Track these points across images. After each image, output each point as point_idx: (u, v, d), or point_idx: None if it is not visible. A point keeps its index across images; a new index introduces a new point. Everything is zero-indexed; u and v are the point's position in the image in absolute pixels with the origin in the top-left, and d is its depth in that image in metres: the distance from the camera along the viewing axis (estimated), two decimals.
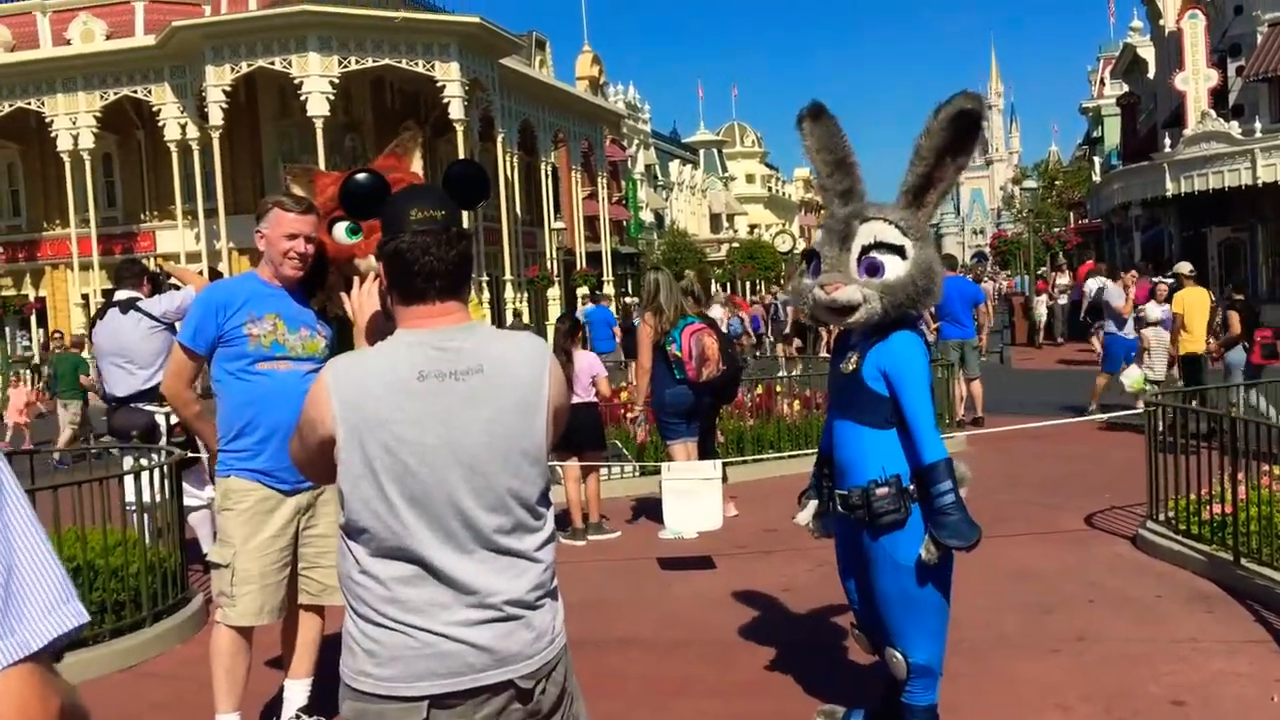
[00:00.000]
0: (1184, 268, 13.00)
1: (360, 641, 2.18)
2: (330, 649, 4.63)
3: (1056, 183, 46.41)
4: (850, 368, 3.86)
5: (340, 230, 3.59)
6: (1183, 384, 11.03)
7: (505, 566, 2.20)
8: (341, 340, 4.05)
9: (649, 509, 8.57)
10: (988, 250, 53.43)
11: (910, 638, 3.82)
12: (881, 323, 3.80)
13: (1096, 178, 36.25)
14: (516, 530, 2.21)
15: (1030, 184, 36.11)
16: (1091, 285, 20.73)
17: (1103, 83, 53.95)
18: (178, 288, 6.78)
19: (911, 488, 3.74)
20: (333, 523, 4.06)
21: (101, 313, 6.80)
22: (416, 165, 3.81)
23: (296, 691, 4.30)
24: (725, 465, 7.87)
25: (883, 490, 3.74)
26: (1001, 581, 6.22)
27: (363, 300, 2.75)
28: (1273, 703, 4.35)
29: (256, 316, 3.94)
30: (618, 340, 21.24)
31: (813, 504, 4.20)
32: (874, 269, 3.77)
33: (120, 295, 6.64)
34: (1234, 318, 11.39)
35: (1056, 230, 42.21)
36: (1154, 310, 12.35)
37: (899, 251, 3.76)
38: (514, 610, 2.19)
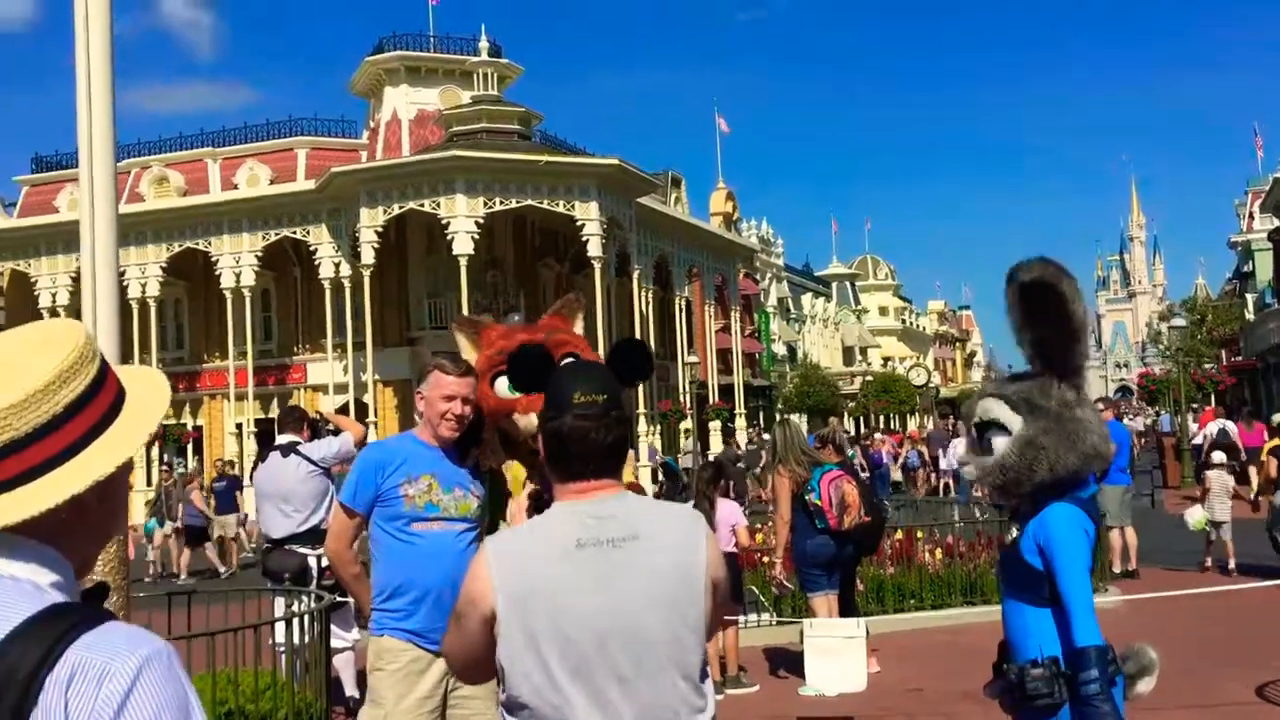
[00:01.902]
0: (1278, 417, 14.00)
1: None
2: None
3: (1206, 319, 44.87)
4: (1010, 539, 3.76)
5: (502, 385, 3.69)
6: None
7: None
8: (492, 494, 4.13)
9: (787, 661, 8.37)
10: (1132, 385, 51.63)
11: None
12: (1037, 493, 3.69)
13: (1250, 314, 34.93)
14: (677, 703, 2.17)
15: (1179, 321, 35.01)
16: (1211, 428, 20.38)
17: (1251, 216, 52.43)
18: (335, 434, 7.05)
19: (1071, 671, 3.58)
20: (479, 686, 4.13)
21: (263, 456, 7.10)
22: (578, 328, 3.92)
23: None
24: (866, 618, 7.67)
25: (1037, 671, 3.58)
26: None
27: (516, 515, 2.74)
28: None
29: (414, 477, 4.02)
30: None
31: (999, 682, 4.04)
32: (985, 447, 3.72)
33: (281, 439, 6.93)
34: (1271, 463, 11.97)
35: (1208, 368, 40.67)
36: (1217, 455, 13.08)
37: (1003, 428, 3.69)
38: None
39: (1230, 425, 13.09)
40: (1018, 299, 3.76)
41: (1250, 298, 44.71)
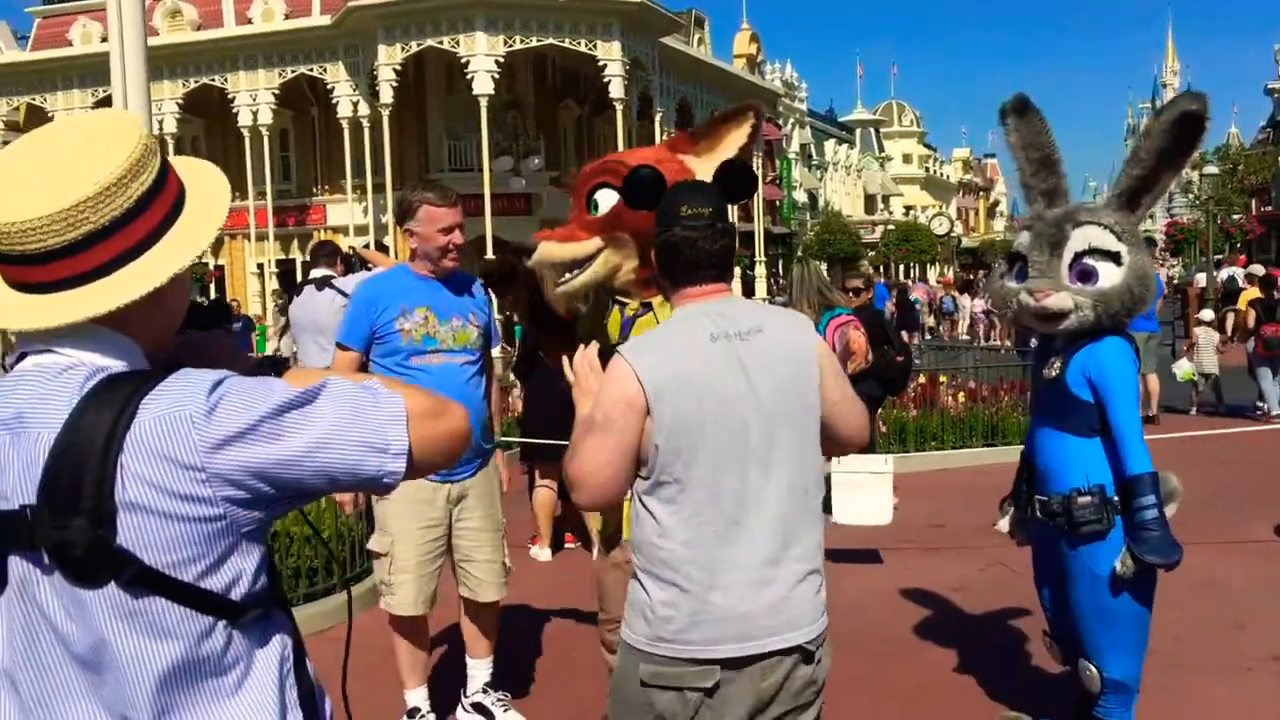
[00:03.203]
0: (1257, 269, 15.59)
1: (656, 608, 2.29)
2: (505, 631, 4.77)
3: (1238, 167, 43.97)
4: (1054, 373, 3.75)
5: (605, 197, 3.38)
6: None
7: (800, 524, 2.35)
8: (591, 322, 3.65)
9: None
10: (1158, 236, 51.11)
11: (1106, 652, 3.71)
12: (1092, 329, 3.69)
13: None
14: (809, 487, 2.38)
15: (1211, 169, 34.27)
16: (1223, 274, 20.95)
17: None
18: (369, 268, 7.05)
19: (1115, 499, 3.63)
20: (485, 516, 4.23)
21: (299, 290, 7.12)
22: (718, 152, 3.62)
23: (480, 669, 4.44)
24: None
25: (1085, 499, 3.63)
26: (1188, 594, 5.97)
27: (582, 369, 2.51)
28: None
29: (409, 310, 4.00)
30: None
31: (1013, 510, 4.11)
32: (1087, 275, 3.66)
33: (316, 274, 6.94)
34: (1249, 314, 12.82)
35: (1238, 218, 40.11)
36: (1205, 313, 14.02)
37: (1114, 258, 3.64)
38: (806, 570, 2.34)
39: (1240, 273, 14.13)
40: (1172, 128, 3.67)
41: None
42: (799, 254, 50.37)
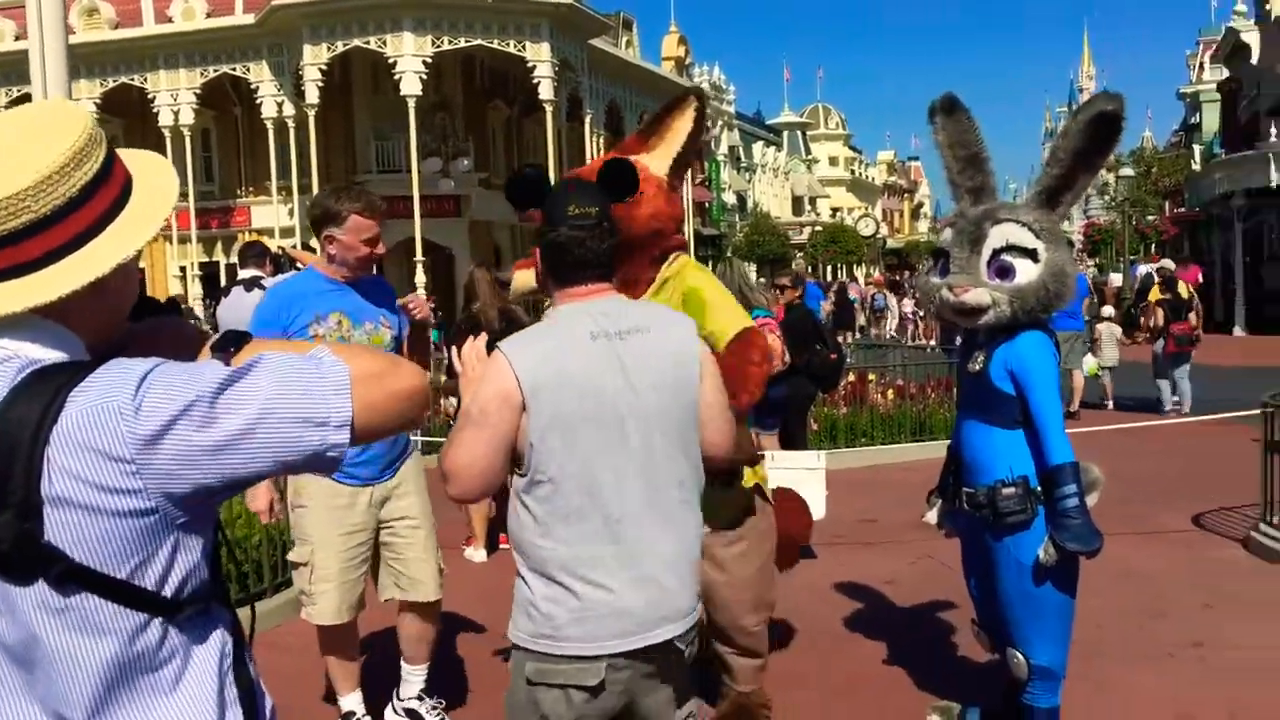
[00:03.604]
0: (1168, 264, 16.10)
1: (539, 605, 2.31)
2: (438, 635, 4.72)
3: (1152, 170, 45.14)
4: (977, 367, 3.83)
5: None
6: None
7: (678, 519, 2.39)
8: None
9: None
10: (1076, 237, 52.25)
11: (1032, 640, 3.79)
12: (1010, 325, 3.77)
13: (1196, 166, 35.24)
14: (688, 479, 2.42)
15: (1127, 171, 35.18)
16: (1140, 269, 21.59)
17: (1202, 67, 52.30)
18: (299, 268, 6.97)
19: (1038, 489, 3.72)
20: (416, 515, 4.12)
21: (226, 291, 7.02)
22: (675, 135, 3.62)
23: (415, 675, 4.35)
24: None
25: (1009, 490, 3.71)
26: (1109, 583, 6.13)
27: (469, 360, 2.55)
28: None
29: (322, 315, 3.93)
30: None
31: (941, 503, 4.19)
32: (1004, 272, 3.73)
33: (244, 274, 6.84)
34: (1157, 313, 13.27)
35: (1152, 219, 41.16)
36: (1106, 309, 14.53)
37: (1031, 255, 3.72)
38: (682, 562, 2.38)
39: (1154, 268, 15.34)
40: (1088, 127, 3.75)
41: (1197, 149, 45.04)
42: (727, 254, 50.67)
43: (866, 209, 76.51)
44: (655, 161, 3.59)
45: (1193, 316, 13.31)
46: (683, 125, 3.62)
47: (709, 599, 3.89)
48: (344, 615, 4.05)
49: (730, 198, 59.30)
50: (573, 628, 2.28)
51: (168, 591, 1.38)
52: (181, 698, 1.41)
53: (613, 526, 2.30)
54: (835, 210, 74.44)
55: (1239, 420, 9.36)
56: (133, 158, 1.56)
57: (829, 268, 61.35)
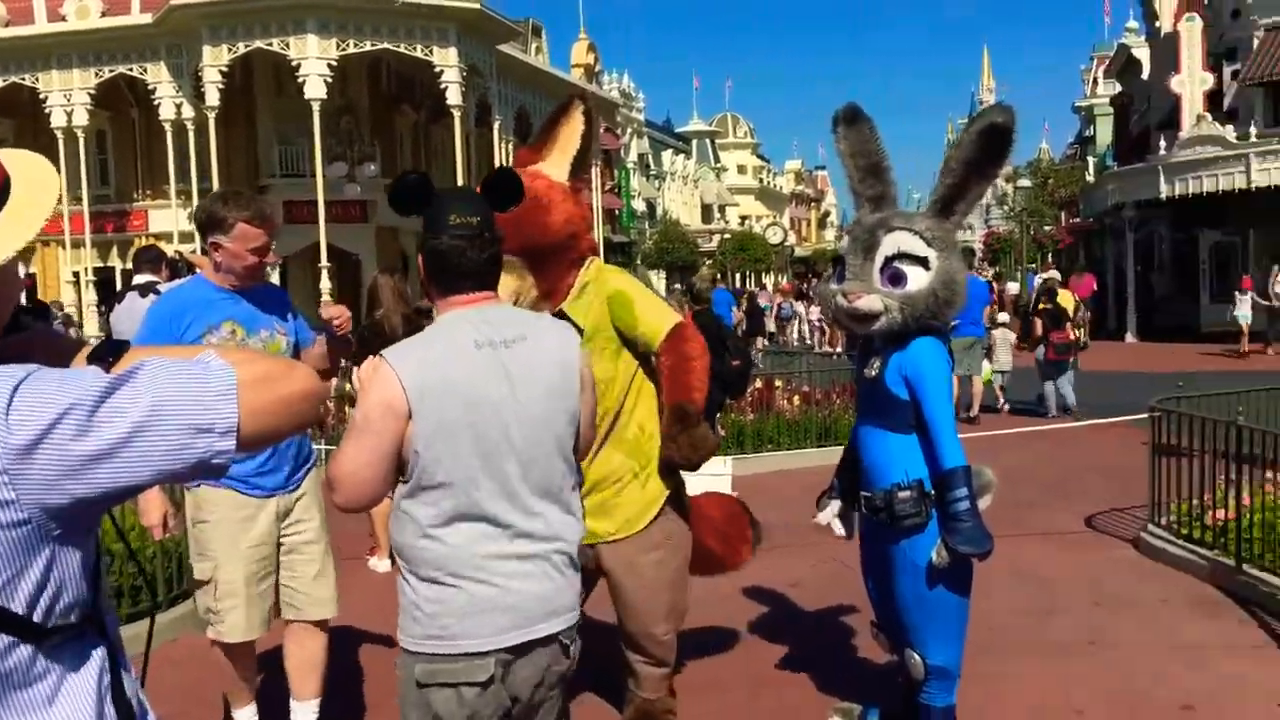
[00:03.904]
0: (1055, 275, 17.40)
1: (424, 606, 2.35)
2: (338, 649, 4.63)
3: (1049, 181, 46.53)
4: (874, 373, 3.89)
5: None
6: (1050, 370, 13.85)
7: (559, 518, 2.44)
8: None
9: None
10: (976, 246, 53.55)
11: (929, 640, 3.86)
12: (903, 331, 3.84)
13: (1090, 177, 36.39)
14: (567, 483, 2.47)
15: (1025, 182, 36.19)
16: (1035, 280, 22.40)
17: (1096, 82, 54.10)
18: (196, 273, 6.81)
19: (933, 492, 3.79)
20: (314, 530, 4.00)
21: (120, 297, 6.82)
22: (568, 139, 3.65)
23: (305, 713, 4.10)
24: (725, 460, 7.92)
25: (904, 494, 3.78)
26: (1004, 583, 6.29)
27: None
28: None
29: (214, 325, 3.79)
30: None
31: (834, 504, 4.25)
32: (896, 279, 3.80)
33: (139, 279, 6.66)
34: (1036, 323, 13.84)
35: (1048, 229, 42.39)
36: (1001, 315, 14.99)
37: (922, 262, 3.79)
38: (565, 561, 2.44)
39: (1056, 275, 16.01)
40: (978, 139, 3.83)
41: (1091, 161, 46.51)
42: (637, 261, 50.83)
43: (775, 217, 77.41)
44: (554, 169, 3.60)
45: (1069, 326, 14.00)
46: (573, 129, 3.66)
47: (622, 605, 3.90)
48: (254, 631, 3.90)
49: (640, 205, 59.51)
50: (459, 625, 2.32)
51: (41, 606, 1.33)
52: (58, 715, 1.37)
53: (497, 529, 2.35)
54: (744, 218, 75.17)
55: (1130, 424, 9.68)
56: (10, 157, 1.51)
57: (738, 275, 61.90)
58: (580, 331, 3.55)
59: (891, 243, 3.81)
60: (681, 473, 6.71)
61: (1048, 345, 13.74)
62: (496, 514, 2.35)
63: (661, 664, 4.03)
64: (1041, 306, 14.13)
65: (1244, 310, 19.44)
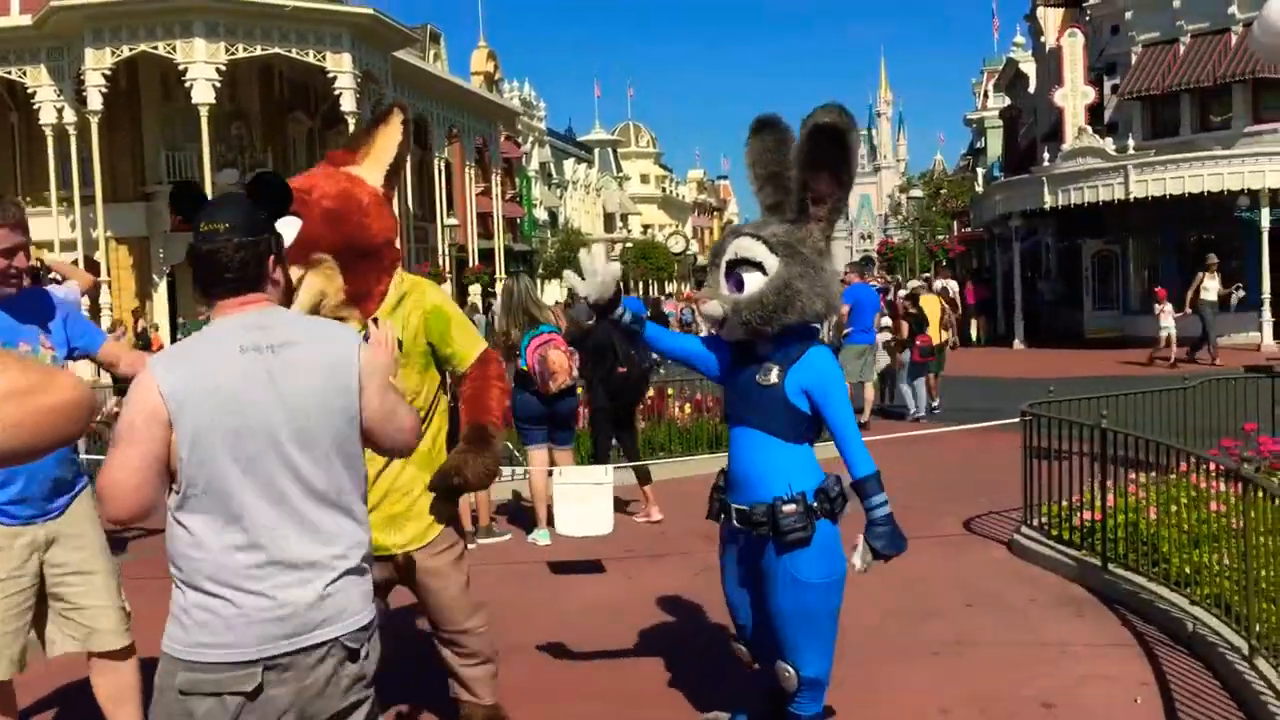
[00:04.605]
0: (918, 284, 18.28)
1: (192, 614, 2.32)
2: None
3: (942, 191, 47.64)
4: (771, 380, 3.80)
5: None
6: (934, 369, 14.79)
7: (333, 524, 2.42)
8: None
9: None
10: (874, 255, 54.64)
11: (804, 652, 3.83)
12: (782, 334, 3.80)
13: (979, 188, 37.35)
14: (341, 488, 2.44)
15: (916, 192, 37.02)
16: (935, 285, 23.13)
17: (986, 95, 55.56)
18: (58, 282, 6.54)
19: (816, 505, 3.76)
20: (90, 557, 3.69)
21: None
22: (386, 144, 3.63)
23: None
24: (618, 469, 7.91)
25: (790, 507, 3.70)
26: (880, 587, 6.35)
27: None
28: (1136, 704, 4.55)
29: None
30: None
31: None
32: (738, 284, 3.82)
33: None
34: (903, 326, 14.58)
35: (941, 238, 43.38)
36: (885, 319, 15.43)
37: (759, 267, 3.78)
38: (342, 566, 2.41)
39: (952, 285, 16.24)
40: (808, 141, 3.82)
41: (981, 172, 47.74)
42: (538, 270, 50.67)
43: (677, 226, 77.88)
44: (369, 174, 3.58)
45: (933, 330, 14.75)
46: (390, 137, 3.67)
47: (435, 610, 3.90)
48: (6, 671, 3.55)
49: (542, 214, 59.38)
50: (227, 634, 2.30)
51: None
52: None
53: (268, 535, 2.33)
54: (646, 227, 75.56)
55: (1008, 428, 9.90)
56: None
57: (640, 284, 62.11)
58: (400, 344, 3.51)
59: (733, 249, 3.84)
60: (559, 481, 6.66)
61: (913, 348, 14.42)
62: (265, 522, 2.33)
63: (488, 660, 4.03)
64: (910, 311, 14.76)
65: (1166, 321, 20.14)
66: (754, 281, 3.77)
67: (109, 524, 2.46)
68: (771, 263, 3.76)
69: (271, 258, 2.51)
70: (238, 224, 2.50)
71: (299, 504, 2.37)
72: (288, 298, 3.23)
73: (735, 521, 3.89)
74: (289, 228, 3.26)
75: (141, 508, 2.30)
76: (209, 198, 2.63)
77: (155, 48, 25.85)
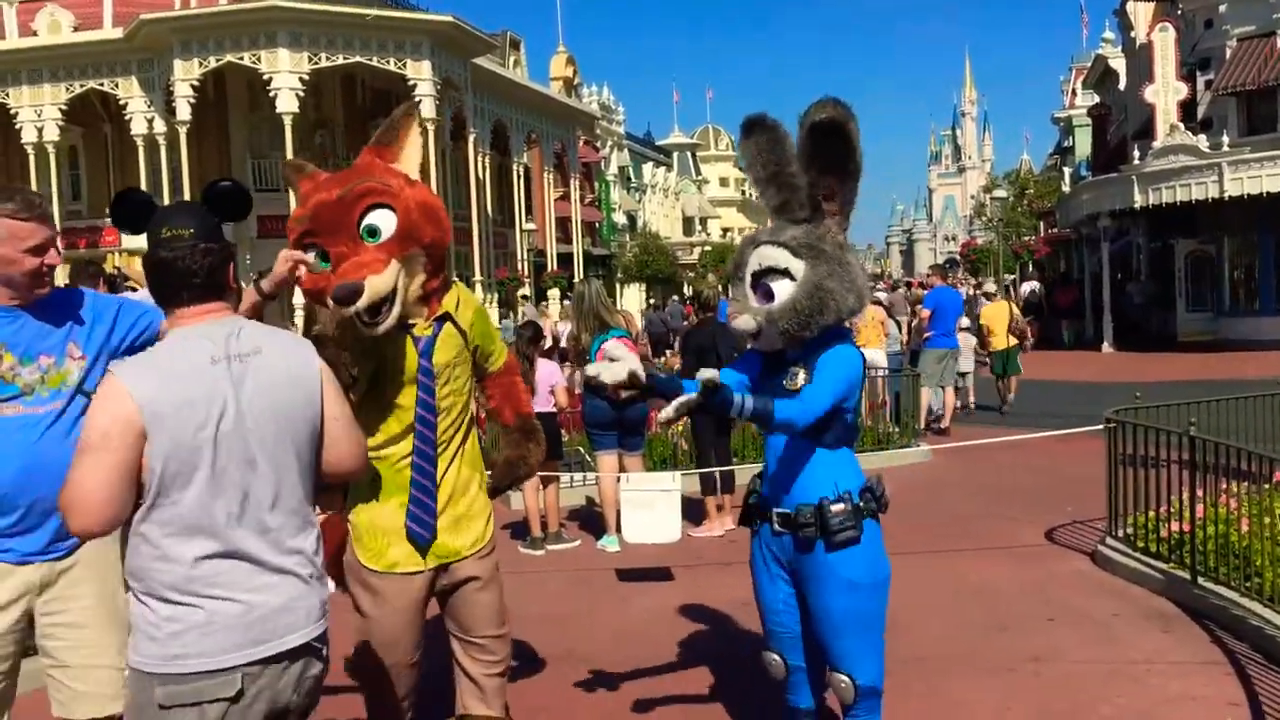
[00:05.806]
0: (990, 286, 18.61)
1: (162, 626, 2.31)
2: None
3: (1028, 191, 46.61)
4: (798, 384, 3.71)
5: (310, 258, 3.27)
6: (996, 372, 15.06)
7: (300, 532, 2.47)
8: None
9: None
10: (957, 257, 53.81)
11: (857, 659, 3.71)
12: (808, 340, 3.69)
13: (1066, 188, 36.46)
14: (303, 497, 2.50)
15: (1001, 193, 36.27)
16: (1025, 288, 22.32)
17: (1075, 93, 54.30)
18: (135, 289, 6.65)
19: (862, 504, 3.66)
20: (87, 608, 3.16)
21: None
22: (410, 150, 3.59)
23: None
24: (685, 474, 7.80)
25: (838, 507, 3.64)
26: (960, 598, 6.18)
27: None
28: None
29: None
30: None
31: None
32: (768, 295, 3.70)
33: None
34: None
35: (1026, 239, 42.46)
36: (963, 320, 15.42)
37: (787, 274, 3.66)
38: (309, 571, 2.47)
39: (1039, 287, 16.09)
40: (808, 139, 3.70)
41: (1068, 171, 46.64)
42: (617, 275, 50.76)
43: (757, 229, 77.49)
44: (405, 168, 3.54)
45: (998, 338, 14.98)
46: (416, 141, 3.65)
47: (476, 616, 3.69)
48: None
49: (620, 218, 59.51)
50: (203, 643, 2.30)
51: None
52: None
53: (236, 543, 2.35)
54: (726, 230, 75.20)
55: (1094, 434, 9.58)
56: None
57: (722, 285, 61.94)
58: (464, 335, 3.57)
59: (756, 259, 3.71)
60: (627, 487, 6.59)
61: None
62: (235, 530, 2.36)
63: (507, 668, 3.85)
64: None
65: None
66: (784, 289, 3.64)
67: (76, 534, 2.39)
68: (798, 267, 3.64)
69: (232, 264, 2.54)
70: (201, 231, 2.50)
71: (265, 513, 2.39)
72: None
73: (777, 526, 3.79)
74: (384, 219, 3.31)
75: (110, 522, 2.30)
76: (158, 205, 2.62)
77: (241, 58, 26.40)
